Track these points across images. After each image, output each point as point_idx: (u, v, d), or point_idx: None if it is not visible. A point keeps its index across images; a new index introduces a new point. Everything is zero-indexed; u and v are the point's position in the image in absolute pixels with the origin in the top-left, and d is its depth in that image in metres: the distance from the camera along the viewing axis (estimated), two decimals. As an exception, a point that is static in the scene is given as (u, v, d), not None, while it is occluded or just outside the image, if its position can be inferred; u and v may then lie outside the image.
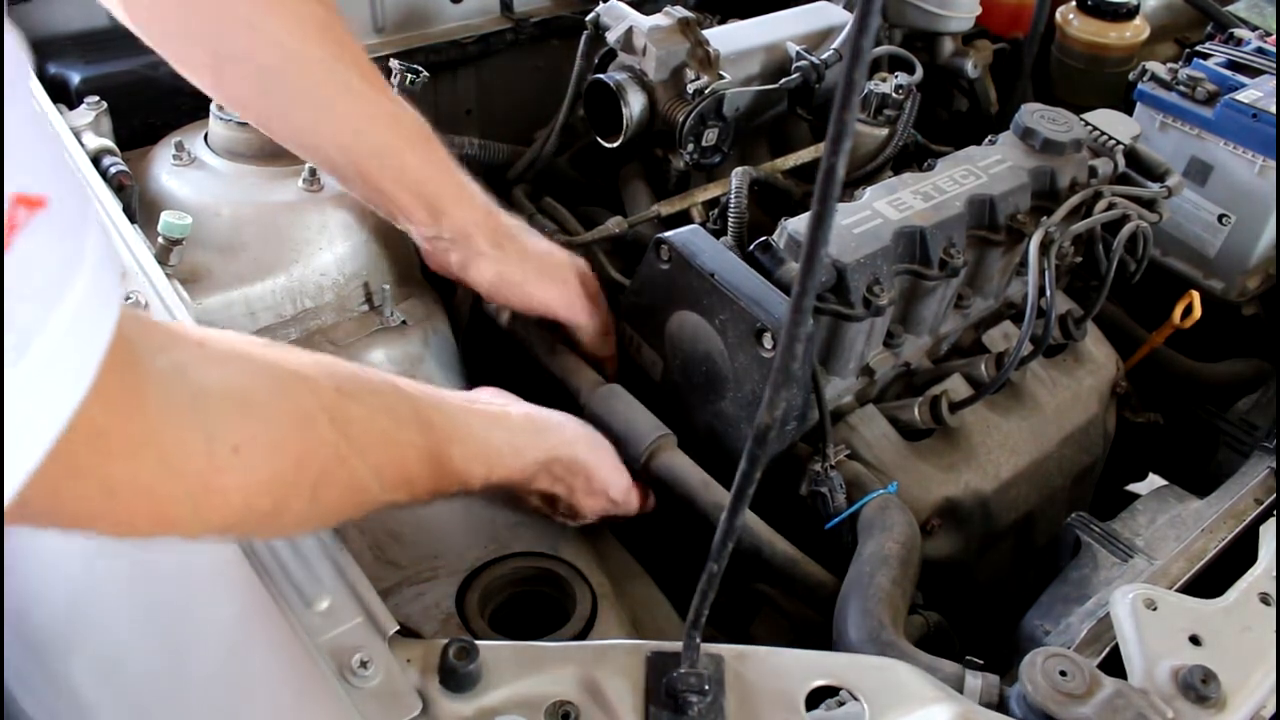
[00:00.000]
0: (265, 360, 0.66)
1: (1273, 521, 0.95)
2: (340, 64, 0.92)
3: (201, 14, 0.88)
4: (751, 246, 1.00)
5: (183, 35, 0.91)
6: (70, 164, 0.38)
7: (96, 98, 1.13)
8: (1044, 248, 1.04)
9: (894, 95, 1.26)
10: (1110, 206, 1.12)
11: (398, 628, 0.71)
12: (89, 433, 0.48)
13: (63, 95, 1.18)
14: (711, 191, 1.27)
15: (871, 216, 1.00)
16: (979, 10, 1.44)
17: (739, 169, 1.17)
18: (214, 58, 0.91)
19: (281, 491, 0.64)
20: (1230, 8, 1.61)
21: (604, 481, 0.94)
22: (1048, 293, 1.03)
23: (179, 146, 1.12)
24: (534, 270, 1.04)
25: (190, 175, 1.11)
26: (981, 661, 0.81)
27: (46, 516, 0.52)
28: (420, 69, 1.19)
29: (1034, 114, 1.14)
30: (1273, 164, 1.25)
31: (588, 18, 1.29)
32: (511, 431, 0.88)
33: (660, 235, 1.01)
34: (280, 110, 0.95)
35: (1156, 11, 1.66)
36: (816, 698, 0.73)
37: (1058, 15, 1.55)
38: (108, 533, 0.56)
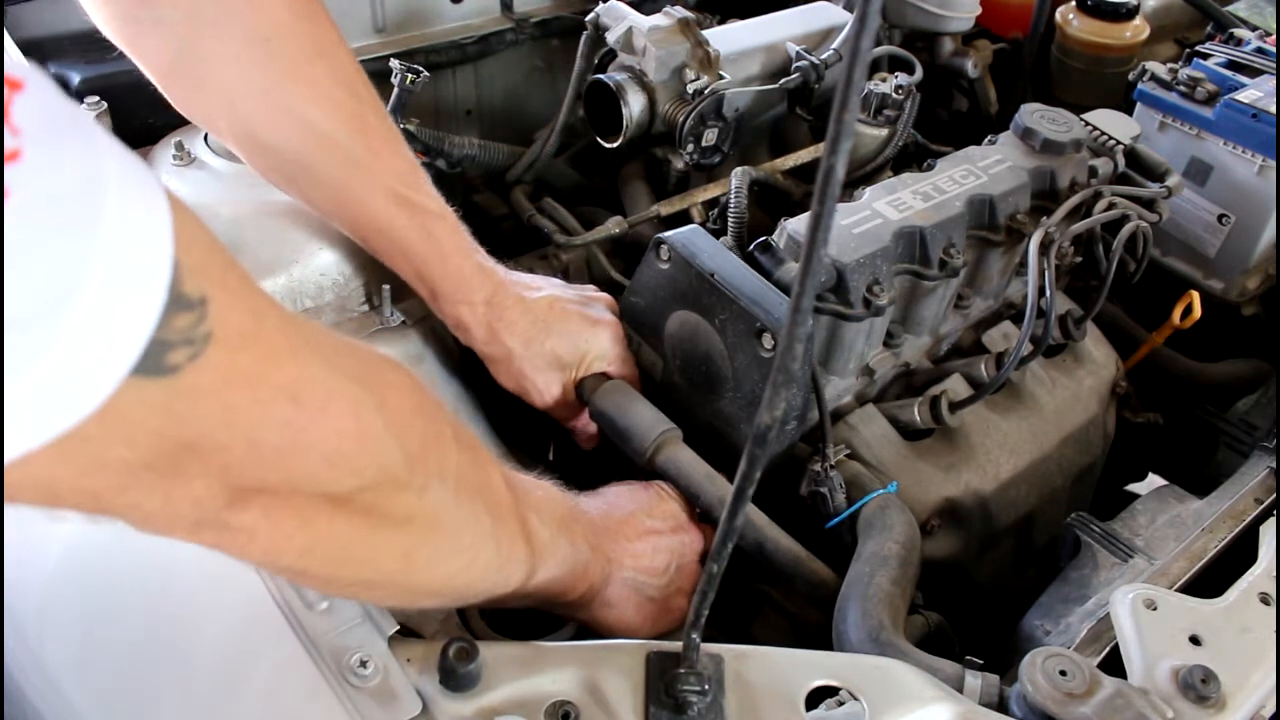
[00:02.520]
0: None
1: (1273, 521, 0.94)
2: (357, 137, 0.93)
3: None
4: (751, 246, 1.00)
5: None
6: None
7: (96, 98, 1.12)
8: (1044, 248, 1.04)
9: (894, 95, 1.26)
10: (1110, 206, 1.12)
11: (398, 627, 0.71)
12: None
13: (63, 95, 1.18)
14: (711, 191, 1.27)
15: (871, 216, 1.00)
16: (979, 10, 1.44)
17: (739, 169, 1.17)
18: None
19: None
20: (1230, 8, 1.61)
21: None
22: (1048, 293, 1.03)
23: (179, 146, 1.12)
24: (532, 358, 1.03)
25: (190, 175, 1.11)
26: (981, 661, 0.81)
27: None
28: (420, 69, 1.19)
29: (1034, 114, 1.14)
30: (1273, 164, 1.25)
31: (588, 18, 1.29)
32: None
33: (660, 235, 1.01)
34: (295, 188, 0.98)
35: (1156, 11, 1.66)
36: (816, 698, 0.73)
37: (1058, 15, 1.55)
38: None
